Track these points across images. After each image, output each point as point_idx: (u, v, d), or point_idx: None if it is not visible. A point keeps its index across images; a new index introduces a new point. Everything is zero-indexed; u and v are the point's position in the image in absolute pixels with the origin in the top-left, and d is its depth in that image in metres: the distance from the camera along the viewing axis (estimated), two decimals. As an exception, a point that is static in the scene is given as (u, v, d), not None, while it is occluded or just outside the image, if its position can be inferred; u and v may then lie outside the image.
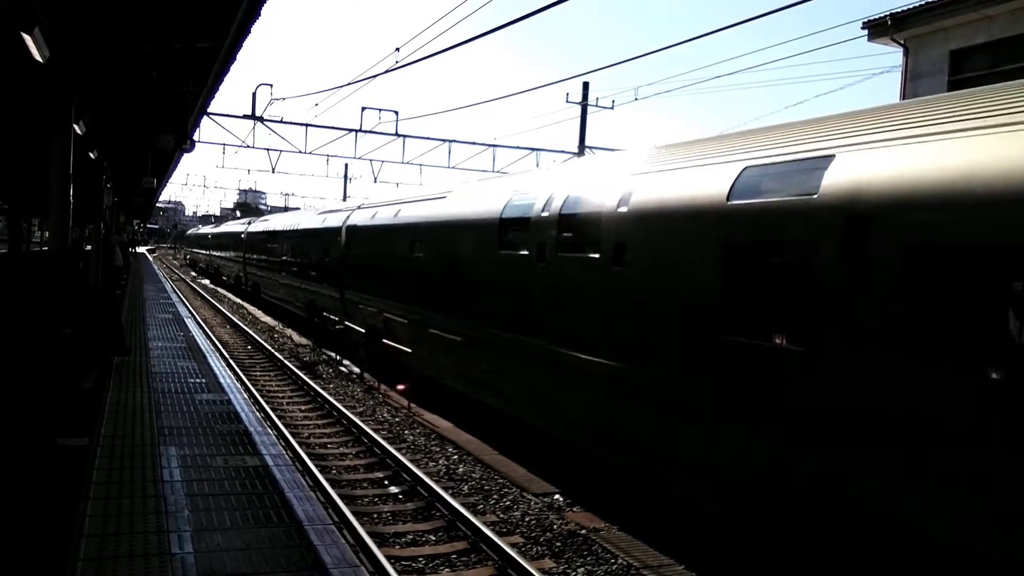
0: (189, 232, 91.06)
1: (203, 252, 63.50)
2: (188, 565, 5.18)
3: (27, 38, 6.83)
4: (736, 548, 7.47)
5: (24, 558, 5.61)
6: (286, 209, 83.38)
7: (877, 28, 15.00)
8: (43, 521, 6.17)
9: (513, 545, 7.78)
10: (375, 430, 12.37)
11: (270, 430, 9.45)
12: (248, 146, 28.58)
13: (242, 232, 39.69)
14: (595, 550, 7.90)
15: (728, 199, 6.81)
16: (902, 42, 14.91)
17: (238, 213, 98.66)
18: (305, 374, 17.00)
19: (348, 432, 12.58)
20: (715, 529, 7.76)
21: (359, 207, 20.83)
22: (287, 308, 28.29)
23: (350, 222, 20.27)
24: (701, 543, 7.83)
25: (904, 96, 14.43)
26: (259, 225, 36.19)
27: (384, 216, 17.53)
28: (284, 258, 28.31)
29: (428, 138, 29.75)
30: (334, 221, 22.01)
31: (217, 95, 11.00)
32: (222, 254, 48.69)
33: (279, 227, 30.29)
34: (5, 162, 17.22)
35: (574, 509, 9.19)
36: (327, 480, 9.55)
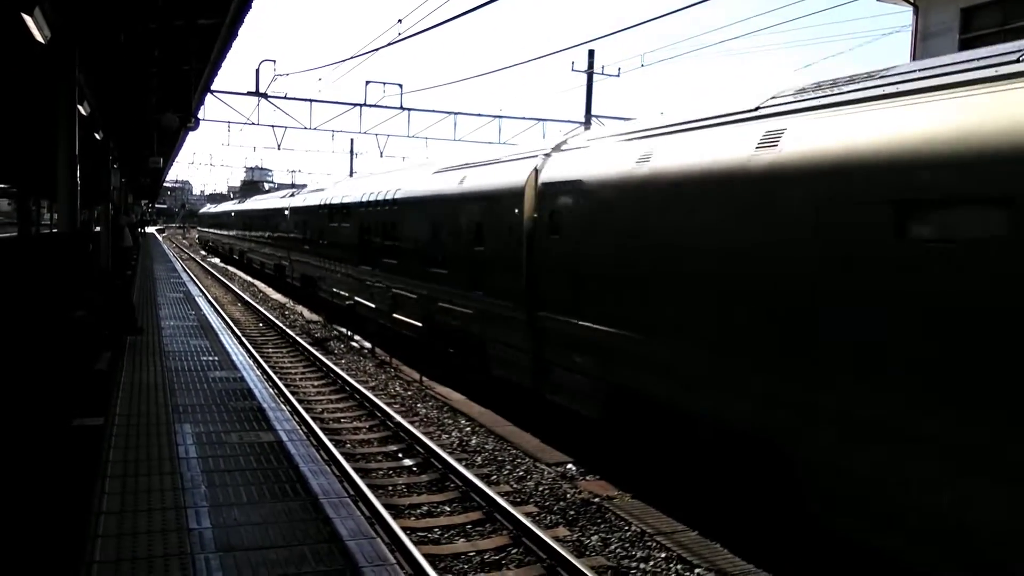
0: (203, 211, 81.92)
1: (224, 234, 52.41)
2: (206, 540, 5.25)
3: (28, 19, 6.80)
4: (748, 515, 7.52)
5: (44, 536, 5.69)
6: (291, 186, 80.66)
7: (887, -12, 14.78)
8: (61, 500, 6.26)
9: (527, 514, 7.85)
10: (388, 404, 12.44)
11: (284, 406, 9.51)
12: (253, 123, 28.47)
13: (285, 208, 29.90)
14: (608, 518, 7.96)
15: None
16: (912, 1, 14.67)
17: (268, 187, 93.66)
18: (317, 350, 17.08)
19: (361, 407, 12.66)
20: (726, 496, 7.80)
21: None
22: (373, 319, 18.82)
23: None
24: (713, 509, 7.88)
25: (914, 57, 14.25)
26: (316, 197, 25.39)
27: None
28: (390, 244, 17.31)
29: (433, 111, 29.65)
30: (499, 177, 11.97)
31: (220, 72, 10.95)
32: (255, 236, 37.81)
33: (366, 196, 19.21)
34: (12, 145, 17.23)
35: (587, 478, 9.24)
36: (341, 454, 9.63)
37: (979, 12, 13.40)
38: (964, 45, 12.91)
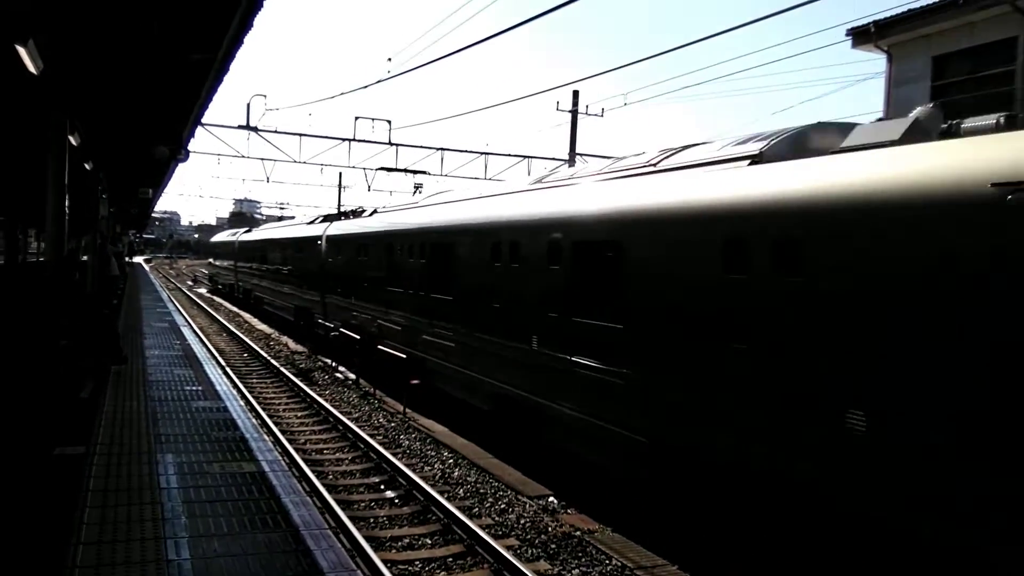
0: (216, 239, 55.95)
1: (255, 271, 35.15)
2: (185, 571, 5.24)
3: (21, 50, 6.90)
4: (729, 549, 7.55)
5: (22, 566, 5.67)
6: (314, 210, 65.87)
7: (861, 35, 15.15)
8: (40, 529, 6.23)
9: (508, 547, 7.86)
10: (371, 435, 12.43)
11: (266, 436, 9.50)
12: (243, 156, 28.55)
13: (388, 228, 17.57)
14: (590, 551, 7.97)
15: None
16: (886, 49, 15.06)
17: (295, 213, 72.82)
18: (301, 380, 17.06)
19: (344, 438, 12.64)
20: (708, 530, 7.83)
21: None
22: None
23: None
24: (694, 544, 7.91)
25: (888, 103, 14.59)
26: (445, 214, 14.62)
27: None
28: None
29: (421, 147, 29.81)
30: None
31: (211, 105, 11.06)
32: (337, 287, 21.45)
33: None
34: (1, 174, 17.27)
35: (568, 511, 9.26)
36: (323, 485, 9.62)
37: (950, 60, 13.80)
38: (936, 93, 13.27)
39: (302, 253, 25.62)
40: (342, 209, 33.87)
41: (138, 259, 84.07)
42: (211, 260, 59.32)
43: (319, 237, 23.28)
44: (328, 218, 24.48)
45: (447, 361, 13.37)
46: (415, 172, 28.80)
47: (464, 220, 13.26)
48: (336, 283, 21.10)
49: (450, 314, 13.28)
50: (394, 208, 19.12)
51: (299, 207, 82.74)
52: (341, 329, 20.14)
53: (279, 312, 29.26)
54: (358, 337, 18.54)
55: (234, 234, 46.08)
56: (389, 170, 28.82)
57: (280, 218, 69.19)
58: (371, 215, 19.85)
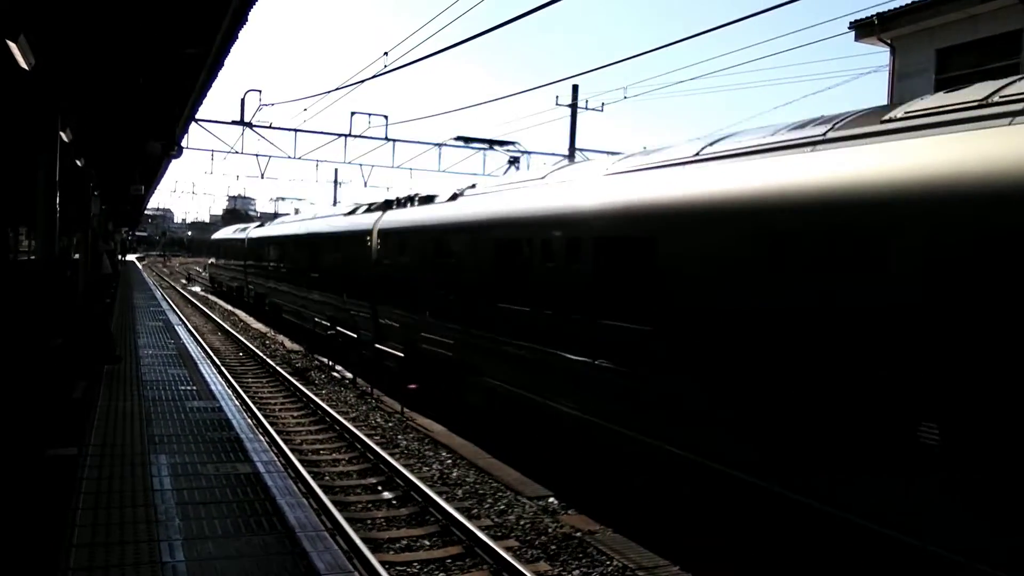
0: (220, 236, 48.84)
1: (272, 273, 30.14)
2: (179, 574, 5.13)
3: (12, 46, 6.78)
4: (730, 549, 7.47)
5: (14, 570, 5.55)
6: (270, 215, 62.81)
7: (864, 28, 15.09)
8: (32, 532, 6.11)
9: (508, 549, 7.76)
10: (368, 435, 12.32)
11: (262, 437, 9.39)
12: (237, 152, 28.45)
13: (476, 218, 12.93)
14: (590, 552, 7.88)
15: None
16: (889, 42, 15.00)
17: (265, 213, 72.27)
18: (297, 380, 16.94)
19: (341, 438, 12.53)
20: (710, 531, 7.75)
21: None
22: None
23: None
24: (696, 544, 7.83)
25: (891, 97, 14.53)
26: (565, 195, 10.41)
27: None
28: None
29: (418, 142, 29.79)
30: None
31: (205, 101, 10.95)
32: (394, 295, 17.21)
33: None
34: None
35: (568, 512, 9.17)
36: (320, 486, 9.51)
37: (955, 53, 13.75)
38: (940, 85, 13.20)
39: (340, 251, 20.76)
40: (394, 196, 22.01)
41: (131, 257, 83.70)
42: (212, 259, 53.29)
43: (368, 231, 18.37)
44: (382, 206, 18.85)
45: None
46: (501, 143, 23.27)
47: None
48: (398, 290, 16.12)
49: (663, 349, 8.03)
50: (499, 187, 13.21)
51: (296, 202, 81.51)
52: (396, 352, 15.72)
53: (304, 324, 24.54)
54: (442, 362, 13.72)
55: (243, 229, 40.17)
56: (467, 140, 24.41)
57: (275, 214, 67.54)
58: (452, 200, 14.50)
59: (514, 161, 21.32)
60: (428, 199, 16.13)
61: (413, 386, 13.62)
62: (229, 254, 42.00)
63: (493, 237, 11.96)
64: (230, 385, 14.79)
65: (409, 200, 17.39)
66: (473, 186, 15.03)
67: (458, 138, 23.78)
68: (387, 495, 9.81)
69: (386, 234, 17.29)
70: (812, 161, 6.63)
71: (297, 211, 43.80)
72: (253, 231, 35.84)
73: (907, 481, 5.56)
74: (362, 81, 15.14)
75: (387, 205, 18.57)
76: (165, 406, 10.20)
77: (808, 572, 6.50)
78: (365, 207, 20.57)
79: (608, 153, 26.89)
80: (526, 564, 7.43)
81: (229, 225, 55.75)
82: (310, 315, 23.52)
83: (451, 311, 13.27)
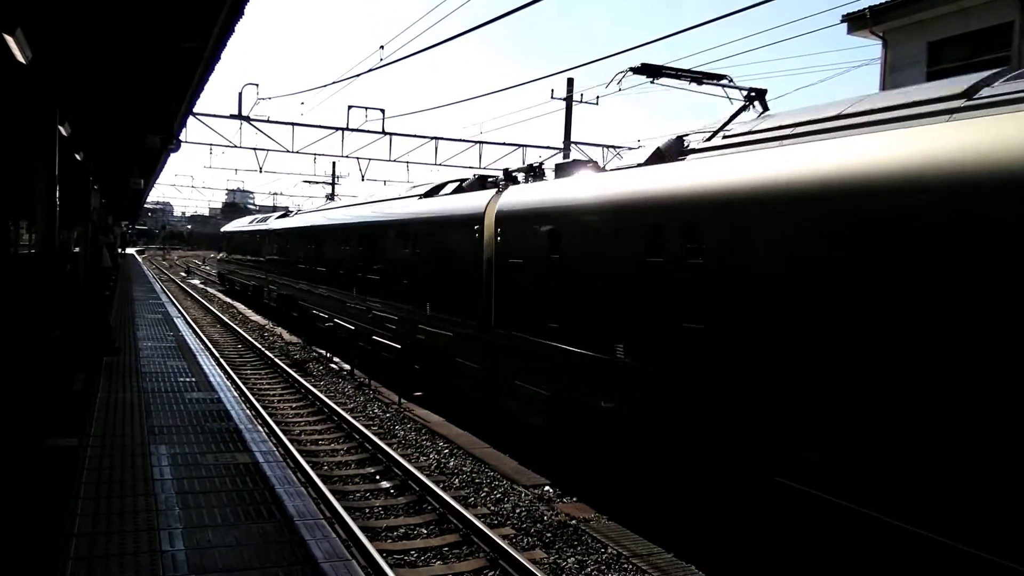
0: (233, 227, 43.48)
1: (304, 272, 24.87)
2: (179, 562, 5.22)
3: (9, 39, 6.82)
4: (723, 538, 7.57)
5: (15, 559, 5.63)
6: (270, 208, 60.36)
7: (856, 21, 15.13)
8: (33, 521, 6.19)
9: (504, 537, 7.86)
10: (366, 426, 12.41)
11: (261, 427, 9.47)
12: (235, 146, 28.37)
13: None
14: (585, 540, 7.98)
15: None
16: (881, 35, 15.03)
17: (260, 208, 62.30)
18: (296, 371, 17.02)
19: (339, 428, 12.62)
20: (703, 518, 7.84)
21: None
22: None
23: None
24: (689, 532, 7.92)
25: (884, 88, 14.57)
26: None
27: None
28: None
29: (415, 135, 29.63)
30: None
31: (203, 95, 10.96)
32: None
33: None
34: (-10, 165, 17.12)
35: (564, 500, 9.26)
36: (318, 476, 9.60)
37: (946, 46, 13.78)
38: (931, 78, 13.24)
39: (420, 248, 15.07)
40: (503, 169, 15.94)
41: (131, 250, 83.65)
42: (222, 255, 47.22)
43: (477, 217, 12.61)
44: (496, 183, 13.62)
45: None
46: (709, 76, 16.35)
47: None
48: (556, 304, 10.28)
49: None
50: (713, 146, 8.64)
51: (292, 197, 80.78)
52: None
53: (357, 340, 18.59)
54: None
55: (264, 220, 34.51)
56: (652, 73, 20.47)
57: (274, 208, 65.48)
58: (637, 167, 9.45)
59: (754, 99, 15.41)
60: (564, 167, 11.80)
61: None
62: (244, 249, 36.87)
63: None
64: (229, 376, 14.88)
65: (529, 172, 12.88)
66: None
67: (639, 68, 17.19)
68: (385, 484, 9.91)
69: (512, 220, 11.63)
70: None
71: (331, 197, 39.14)
72: (275, 221, 31.33)
73: None
74: (359, 75, 15.18)
75: (503, 182, 13.10)
76: (164, 397, 10.28)
77: (805, 563, 6.60)
78: (463, 182, 15.14)
79: (607, 147, 26.90)
80: (522, 552, 7.52)
81: (230, 219, 52.60)
82: (365, 329, 17.97)
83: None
